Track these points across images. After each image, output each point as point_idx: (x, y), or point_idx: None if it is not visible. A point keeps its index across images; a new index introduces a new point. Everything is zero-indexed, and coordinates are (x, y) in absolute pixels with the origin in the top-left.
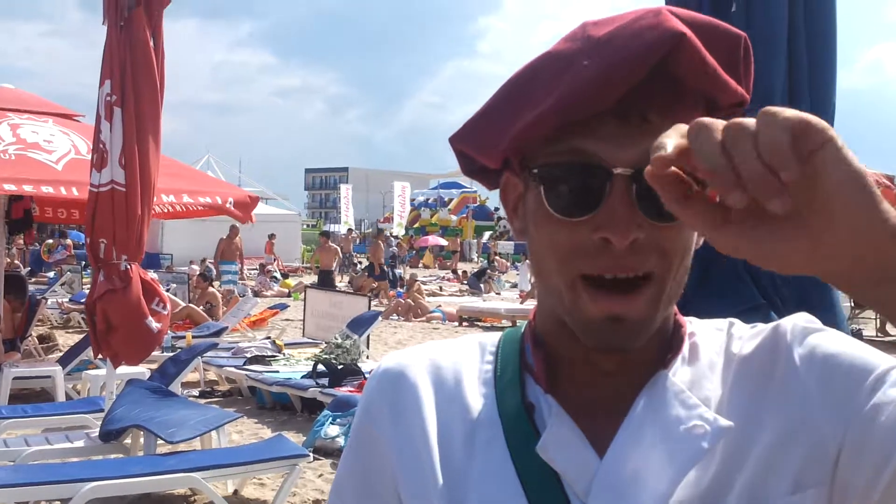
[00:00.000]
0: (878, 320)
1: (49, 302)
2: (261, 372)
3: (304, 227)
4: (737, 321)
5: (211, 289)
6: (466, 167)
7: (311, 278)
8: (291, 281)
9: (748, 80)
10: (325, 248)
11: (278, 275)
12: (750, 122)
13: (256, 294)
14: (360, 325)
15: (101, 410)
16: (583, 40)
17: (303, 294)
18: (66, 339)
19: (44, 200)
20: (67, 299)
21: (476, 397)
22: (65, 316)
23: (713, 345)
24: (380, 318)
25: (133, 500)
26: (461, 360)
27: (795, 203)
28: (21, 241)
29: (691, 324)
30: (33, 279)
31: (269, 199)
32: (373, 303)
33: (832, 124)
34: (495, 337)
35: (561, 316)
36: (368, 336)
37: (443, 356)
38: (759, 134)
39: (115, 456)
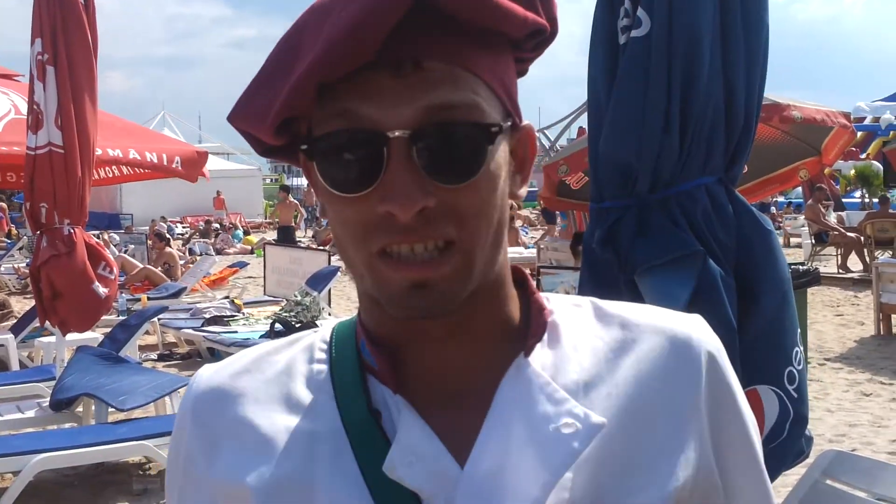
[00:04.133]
0: (838, 257)
1: (5, 267)
2: (219, 333)
3: (267, 181)
4: (595, 300)
5: (168, 249)
6: (258, 147)
7: (274, 234)
8: (254, 237)
9: (549, 6)
10: (284, 204)
11: (240, 232)
12: None
13: (219, 252)
14: (318, 281)
15: (54, 379)
16: None
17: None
18: (23, 306)
19: None
20: (24, 264)
21: (311, 406)
22: (22, 281)
23: (575, 323)
24: (339, 272)
25: (85, 470)
26: (285, 364)
27: None
28: None
29: (548, 300)
30: None
31: (230, 155)
32: (336, 257)
33: (766, 57)
34: (325, 333)
35: (373, 294)
36: (330, 291)
37: (263, 364)
38: None
39: (70, 425)
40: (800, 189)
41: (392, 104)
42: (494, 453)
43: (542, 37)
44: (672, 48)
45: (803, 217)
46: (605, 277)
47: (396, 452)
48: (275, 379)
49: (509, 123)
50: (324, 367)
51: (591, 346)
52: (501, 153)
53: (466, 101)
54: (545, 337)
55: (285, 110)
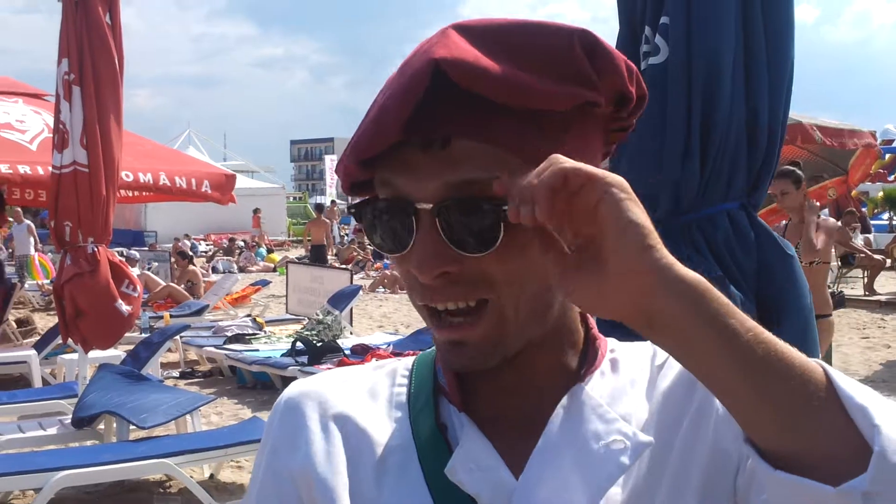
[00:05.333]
0: (864, 278)
1: (29, 284)
2: (240, 351)
3: (291, 199)
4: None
5: (192, 266)
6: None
7: (297, 252)
8: (276, 255)
9: (611, 74)
10: (316, 222)
11: (263, 250)
12: (552, 160)
13: (242, 270)
14: (340, 300)
15: (76, 396)
16: (398, 67)
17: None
18: (46, 322)
19: (12, 182)
20: (48, 281)
21: (388, 422)
22: (46, 298)
23: (635, 362)
24: (360, 292)
25: (106, 487)
26: (370, 385)
27: (591, 250)
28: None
29: (612, 342)
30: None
31: (254, 173)
32: (359, 276)
33: (790, 83)
34: (408, 361)
35: None
36: (351, 311)
37: (349, 383)
38: (541, 171)
39: (92, 442)
40: (827, 210)
41: (421, 178)
42: (548, 467)
43: (625, 105)
44: (692, 74)
45: None
46: None
47: (458, 458)
48: (359, 396)
49: None
50: (403, 389)
51: (644, 383)
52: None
53: (486, 178)
54: (607, 370)
55: (347, 177)
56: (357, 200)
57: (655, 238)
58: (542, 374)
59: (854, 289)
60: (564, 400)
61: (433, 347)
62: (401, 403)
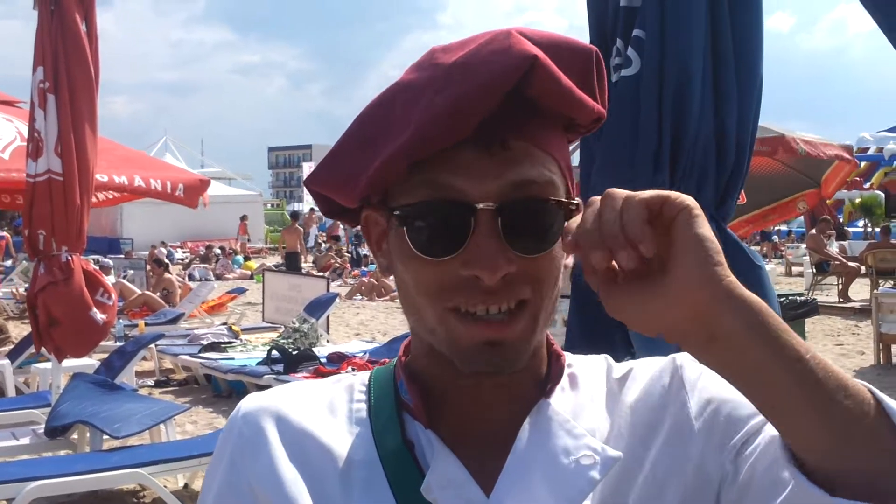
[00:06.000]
0: (839, 286)
1: (2, 292)
2: (216, 359)
3: (268, 207)
4: (609, 357)
5: (167, 274)
6: (325, 208)
7: (275, 260)
8: (254, 263)
9: (603, 94)
10: (290, 230)
11: (240, 257)
12: (620, 196)
13: (219, 277)
14: (317, 308)
15: (49, 405)
16: (432, 68)
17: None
18: (21, 331)
19: None
20: (23, 289)
21: (349, 437)
22: (20, 306)
23: (592, 376)
24: (337, 300)
25: (79, 497)
26: (328, 400)
27: (653, 265)
28: None
29: (568, 356)
30: None
31: (231, 180)
32: (336, 283)
33: (759, 96)
34: (364, 376)
35: (436, 347)
36: (328, 318)
37: (307, 397)
38: (622, 212)
39: (65, 452)
40: (802, 218)
41: (480, 178)
42: (518, 484)
43: (600, 123)
44: (663, 87)
45: (805, 247)
46: (592, 309)
47: (433, 477)
48: (318, 411)
49: (576, 203)
50: (363, 405)
51: (603, 398)
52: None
53: (544, 178)
54: (566, 385)
55: (377, 180)
56: (403, 203)
57: (722, 256)
58: (517, 388)
59: (829, 296)
60: (532, 415)
61: (392, 361)
62: (361, 419)
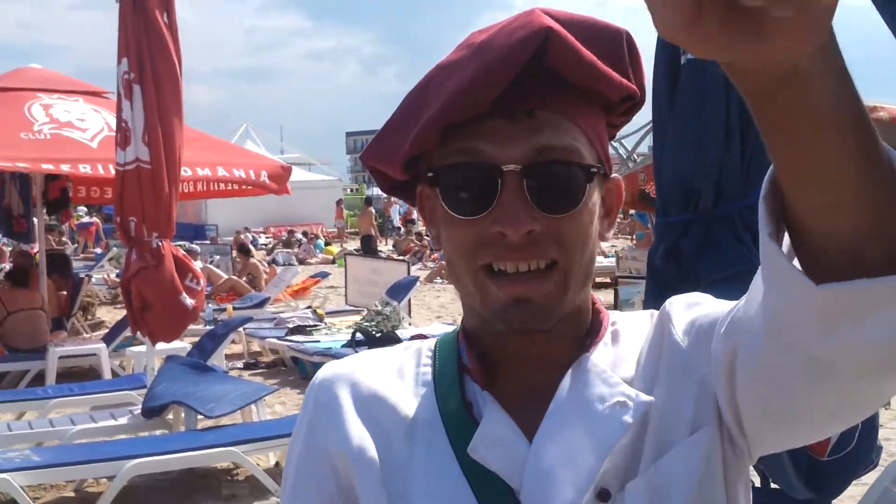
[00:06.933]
0: None
1: (96, 278)
2: (302, 342)
3: (348, 192)
4: (657, 312)
5: (252, 260)
6: (383, 184)
7: (355, 244)
8: (334, 247)
9: (639, 75)
10: (363, 214)
11: (322, 242)
12: None
13: (301, 262)
14: (398, 291)
15: (145, 387)
16: (468, 48)
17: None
18: (114, 315)
19: (78, 180)
20: (115, 274)
21: (415, 399)
22: (112, 292)
23: (634, 331)
24: (418, 283)
25: (175, 475)
26: (397, 365)
27: None
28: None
29: (614, 314)
30: (81, 255)
31: (311, 166)
32: (417, 266)
33: None
34: (431, 342)
35: (475, 309)
36: (409, 301)
37: (378, 363)
38: None
39: (161, 432)
40: None
41: (506, 143)
42: (557, 430)
43: (632, 102)
44: None
45: None
46: (669, 292)
47: (480, 437)
48: (388, 375)
49: (603, 171)
50: (428, 368)
51: (641, 349)
52: (596, 195)
53: (569, 145)
54: (609, 341)
55: (415, 148)
56: (440, 164)
57: None
58: (560, 346)
59: None
60: (572, 368)
61: (455, 328)
62: (426, 382)
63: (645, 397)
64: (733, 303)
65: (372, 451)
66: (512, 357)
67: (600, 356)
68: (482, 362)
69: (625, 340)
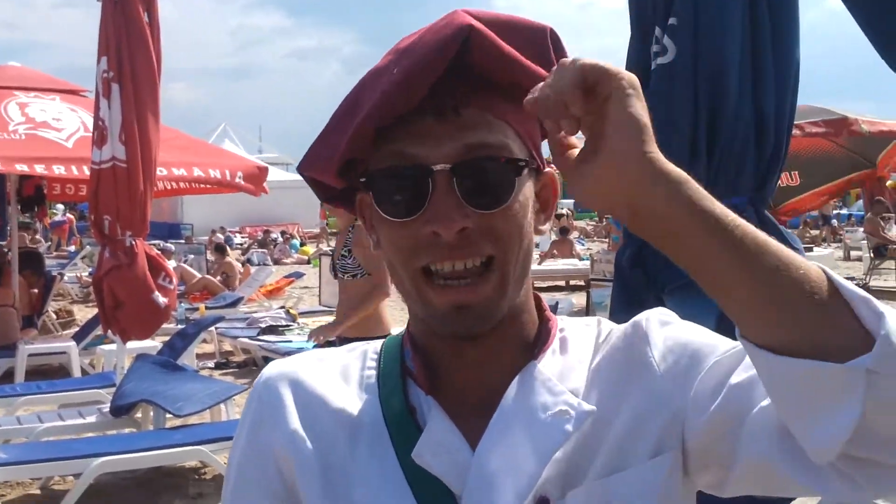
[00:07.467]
0: None
1: (68, 276)
2: (274, 342)
3: None
4: (604, 320)
5: (227, 259)
6: (322, 194)
7: (331, 245)
8: (310, 248)
9: None
10: (341, 214)
11: (297, 242)
12: (565, 62)
13: (276, 262)
14: None
15: (114, 385)
16: (396, 52)
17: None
18: (85, 314)
19: (53, 177)
20: (87, 273)
21: (359, 401)
22: (84, 290)
23: (582, 340)
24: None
25: (143, 473)
26: (342, 366)
27: (593, 141)
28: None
29: (562, 320)
30: (55, 253)
31: (289, 165)
32: None
33: (797, 80)
34: (377, 345)
35: (417, 313)
36: None
37: (322, 364)
38: (558, 74)
39: (129, 430)
40: (861, 202)
41: (436, 143)
42: (500, 438)
43: None
44: (698, 74)
45: (863, 230)
46: (635, 295)
47: (424, 443)
48: (332, 376)
49: (535, 165)
50: (373, 371)
51: (589, 359)
52: (528, 190)
53: (497, 142)
54: (557, 348)
55: (348, 152)
56: (373, 169)
57: (649, 134)
58: (504, 351)
59: (887, 280)
60: (519, 376)
61: (401, 332)
62: (370, 385)
63: (587, 406)
64: (715, 342)
65: (314, 453)
66: (455, 362)
67: (548, 364)
68: (426, 366)
69: (573, 349)
